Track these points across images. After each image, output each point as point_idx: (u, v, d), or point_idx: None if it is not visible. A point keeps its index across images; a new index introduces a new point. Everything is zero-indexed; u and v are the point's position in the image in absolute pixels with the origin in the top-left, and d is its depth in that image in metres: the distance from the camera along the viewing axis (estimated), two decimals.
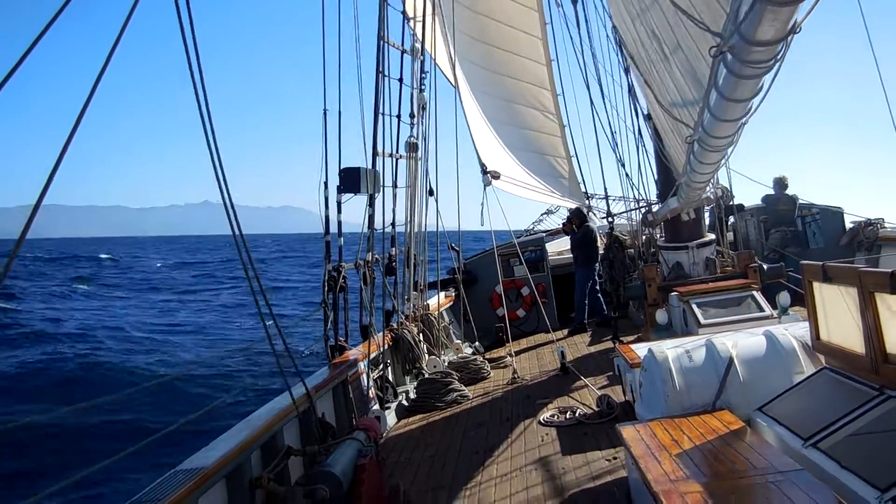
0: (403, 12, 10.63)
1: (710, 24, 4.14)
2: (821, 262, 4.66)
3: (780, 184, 13.19)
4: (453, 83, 10.69)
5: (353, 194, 8.59)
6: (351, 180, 8.47)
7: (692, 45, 5.11)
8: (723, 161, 7.15)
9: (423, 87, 10.99)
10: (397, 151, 9.97)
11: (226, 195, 4.30)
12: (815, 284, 4.78)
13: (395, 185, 9.93)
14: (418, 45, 10.74)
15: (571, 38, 12.69)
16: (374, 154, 9.13)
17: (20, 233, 2.69)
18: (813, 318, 4.96)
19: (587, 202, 13.89)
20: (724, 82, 4.27)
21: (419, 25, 10.72)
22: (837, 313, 4.58)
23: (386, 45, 9.51)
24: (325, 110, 8.30)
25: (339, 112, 8.38)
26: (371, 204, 8.99)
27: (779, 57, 3.77)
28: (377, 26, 9.42)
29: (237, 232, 4.47)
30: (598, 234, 13.17)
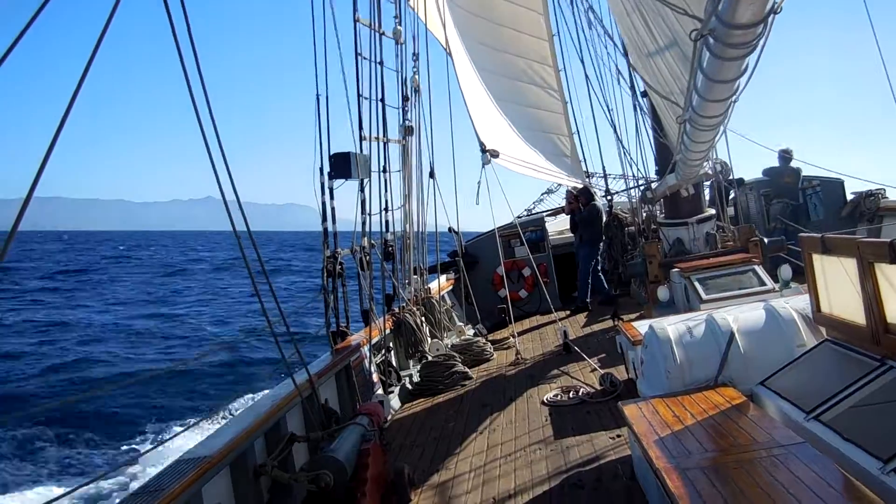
0: None
1: (692, 4, 4.08)
2: (819, 234, 4.63)
3: (785, 157, 13.08)
4: (447, 51, 10.58)
5: (344, 179, 8.52)
6: (341, 165, 8.39)
7: (677, 26, 5.06)
8: (716, 138, 7.11)
9: (415, 68, 10.91)
10: (385, 135, 9.87)
11: (228, 185, 4.31)
12: (815, 256, 4.76)
13: (383, 171, 9.84)
14: (409, 26, 10.63)
15: (573, 11, 12.59)
16: (361, 139, 9.05)
17: (12, 225, 2.67)
18: (813, 291, 4.94)
19: (588, 180, 13.84)
20: (707, 64, 4.22)
21: (419, 2, 10.62)
22: (837, 285, 4.56)
23: (360, 25, 9.38)
24: (317, 95, 8.23)
25: (327, 96, 8.29)
26: (362, 189, 8.94)
27: (760, 37, 3.71)
28: (358, 8, 9.29)
29: (239, 219, 4.46)
30: (603, 214, 13.13)
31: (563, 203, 14.89)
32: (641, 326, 6.85)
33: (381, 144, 9.78)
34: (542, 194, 19.11)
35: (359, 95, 9.04)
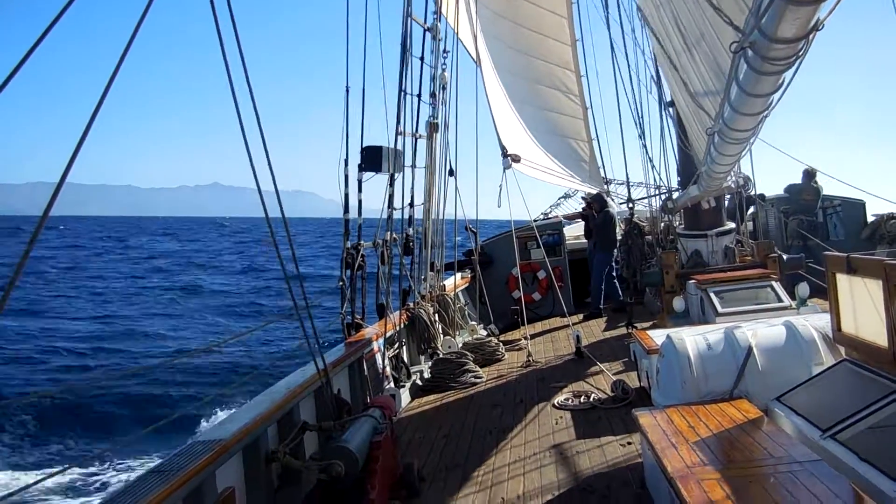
0: None
1: (733, 17, 4.09)
2: (845, 254, 4.63)
3: (808, 174, 13.05)
4: (474, 56, 10.60)
5: (374, 173, 8.55)
6: (373, 159, 8.42)
7: (714, 38, 5.07)
8: (743, 153, 7.10)
9: (444, 65, 10.92)
10: (417, 131, 9.92)
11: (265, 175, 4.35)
12: (839, 276, 4.74)
13: (414, 166, 9.90)
14: (440, 24, 10.63)
15: (600, 18, 12.56)
16: (398, 133, 9.08)
17: (43, 212, 2.67)
18: (835, 310, 4.92)
19: (606, 187, 13.82)
20: (744, 77, 4.23)
21: (450, 7, 10.64)
22: (860, 305, 4.55)
23: (412, 21, 9.42)
24: (346, 87, 8.25)
25: (364, 90, 8.31)
26: (392, 184, 8.96)
27: (800, 54, 3.71)
28: (402, 3, 9.34)
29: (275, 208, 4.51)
30: (617, 220, 13.12)
31: (581, 209, 14.90)
32: (656, 335, 6.86)
33: (414, 140, 9.83)
34: (560, 198, 19.12)
35: (400, 90, 9.07)
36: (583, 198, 14.23)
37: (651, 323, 10.28)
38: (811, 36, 3.48)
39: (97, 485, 10.56)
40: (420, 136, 10.05)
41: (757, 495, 3.40)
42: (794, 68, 3.85)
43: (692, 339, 5.60)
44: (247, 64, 3.81)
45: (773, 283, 8.33)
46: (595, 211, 13.01)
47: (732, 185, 9.89)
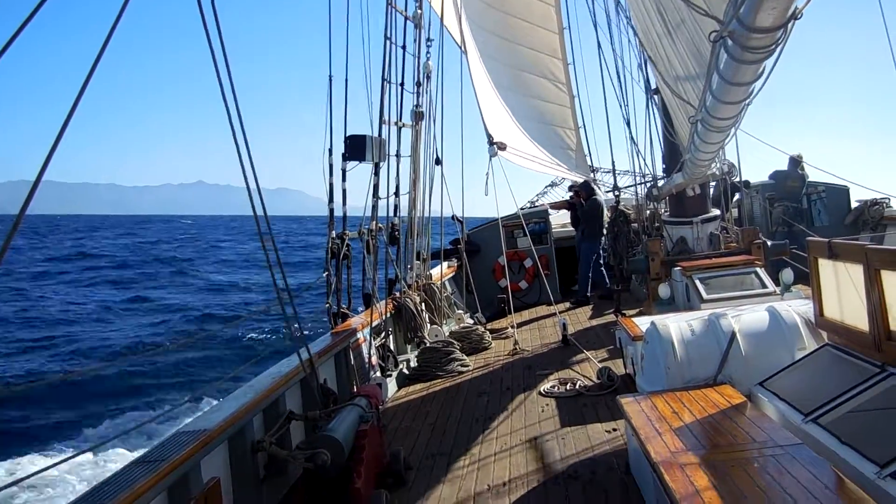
0: None
1: (712, 6, 4.10)
2: (827, 239, 4.65)
3: (795, 161, 13.13)
4: (460, 44, 10.58)
5: (358, 162, 8.53)
6: (356, 148, 8.40)
7: (695, 25, 5.08)
8: (726, 140, 7.13)
9: (429, 54, 10.88)
10: (401, 120, 9.90)
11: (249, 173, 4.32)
12: (821, 261, 4.77)
13: (399, 155, 9.88)
14: (425, 12, 10.60)
15: (586, 4, 12.53)
16: (381, 122, 9.05)
17: (19, 210, 2.63)
18: (817, 295, 4.95)
19: (592, 175, 13.83)
20: (724, 66, 4.25)
21: None
22: (842, 290, 4.57)
23: (393, 10, 9.39)
24: (330, 76, 8.23)
25: (346, 79, 8.29)
26: (376, 172, 8.95)
27: (779, 42, 3.73)
28: None
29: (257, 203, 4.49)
30: (604, 208, 13.15)
31: (568, 197, 14.89)
32: (642, 322, 6.89)
33: (398, 129, 9.81)
34: (546, 187, 19.12)
35: (383, 80, 9.05)
36: (570, 187, 14.25)
37: (637, 310, 10.32)
38: (789, 25, 3.50)
39: (82, 476, 10.54)
40: (404, 125, 10.02)
41: (740, 480, 3.43)
42: (773, 57, 3.87)
43: (676, 325, 5.63)
44: (238, 61, 3.80)
45: (758, 269, 8.37)
46: (582, 199, 13.02)
47: (717, 172, 9.93)
